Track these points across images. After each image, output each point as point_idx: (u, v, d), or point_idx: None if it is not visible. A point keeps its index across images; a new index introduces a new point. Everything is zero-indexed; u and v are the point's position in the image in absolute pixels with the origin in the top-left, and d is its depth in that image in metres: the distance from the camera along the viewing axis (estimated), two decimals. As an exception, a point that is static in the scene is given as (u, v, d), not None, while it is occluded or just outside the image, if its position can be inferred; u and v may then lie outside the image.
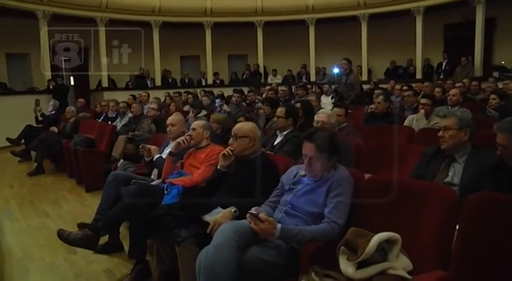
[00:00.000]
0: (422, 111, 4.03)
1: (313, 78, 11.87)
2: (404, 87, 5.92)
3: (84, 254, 2.95)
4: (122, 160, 4.32)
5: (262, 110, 4.70)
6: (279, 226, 1.81)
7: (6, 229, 3.64)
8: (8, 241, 3.36)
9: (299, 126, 3.41)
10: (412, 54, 10.72)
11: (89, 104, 10.15)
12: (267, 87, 7.62)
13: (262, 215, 1.82)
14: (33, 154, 6.51)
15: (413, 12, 10.25)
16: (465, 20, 9.99)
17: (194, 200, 2.35)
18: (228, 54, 12.98)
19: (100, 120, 6.45)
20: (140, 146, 3.39)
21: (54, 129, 6.32)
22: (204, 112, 5.54)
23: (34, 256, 3.05)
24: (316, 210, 1.95)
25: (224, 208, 2.16)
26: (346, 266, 1.59)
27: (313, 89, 7.79)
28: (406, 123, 4.07)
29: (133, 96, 7.29)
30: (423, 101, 4.03)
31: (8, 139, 7.03)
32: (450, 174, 2.21)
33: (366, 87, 8.83)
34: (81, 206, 4.30)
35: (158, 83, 11.57)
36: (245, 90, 7.74)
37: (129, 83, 11.18)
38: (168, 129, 3.40)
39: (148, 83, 11.43)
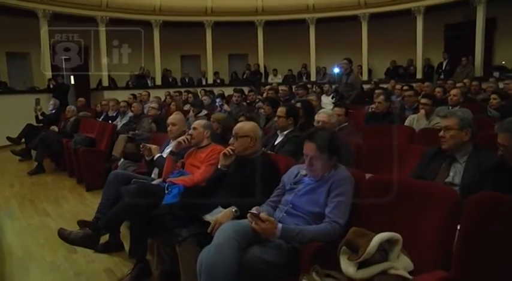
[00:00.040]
0: (422, 111, 4.02)
1: (313, 78, 11.87)
2: (405, 87, 5.93)
3: (84, 253, 2.95)
4: (122, 159, 4.31)
5: (262, 110, 4.70)
6: (279, 225, 1.81)
7: (7, 228, 3.64)
8: (9, 240, 3.36)
9: (299, 126, 3.41)
10: (412, 54, 10.72)
11: (89, 103, 10.16)
12: (268, 87, 7.61)
13: (263, 215, 1.82)
14: (33, 153, 6.51)
15: (413, 12, 10.25)
16: (466, 20, 9.99)
17: (195, 199, 2.35)
18: (228, 54, 12.98)
19: (100, 119, 6.45)
20: (141, 146, 3.39)
21: (55, 128, 6.33)
22: (204, 111, 5.54)
23: (34, 255, 3.05)
24: (317, 210, 1.95)
25: (225, 207, 2.15)
26: (347, 266, 1.59)
27: (314, 89, 7.80)
28: (406, 123, 4.06)
29: (134, 96, 7.29)
30: (423, 101, 4.03)
31: (8, 138, 7.03)
32: (451, 174, 2.21)
33: (366, 87, 8.83)
34: (82, 205, 4.30)
35: (158, 82, 11.58)
36: (245, 89, 7.74)
37: (130, 83, 11.18)
38: (169, 128, 3.40)
39: (149, 82, 11.44)
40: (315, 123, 3.19)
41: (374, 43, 11.03)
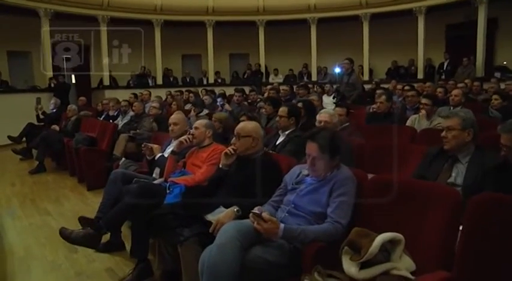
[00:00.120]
0: (423, 111, 4.02)
1: (314, 77, 11.85)
2: (407, 87, 5.92)
3: (85, 252, 2.95)
4: (123, 159, 4.32)
5: (264, 110, 4.70)
6: (282, 225, 1.81)
7: (8, 227, 3.65)
8: (10, 239, 3.36)
9: (301, 126, 3.40)
10: (413, 54, 10.70)
11: (90, 102, 10.15)
12: (269, 87, 7.61)
13: (265, 215, 1.81)
14: (34, 152, 6.50)
15: (415, 12, 10.23)
16: (467, 20, 9.96)
17: (196, 199, 2.35)
18: (229, 53, 12.97)
19: (101, 118, 6.46)
20: (142, 145, 3.39)
21: (56, 127, 6.34)
22: (205, 111, 5.54)
23: (35, 254, 3.05)
24: (319, 210, 1.95)
25: (227, 207, 2.15)
26: (349, 266, 1.59)
27: (315, 89, 7.80)
28: (408, 123, 4.06)
29: (135, 95, 7.29)
30: (424, 101, 4.02)
31: (9, 137, 7.03)
32: (453, 174, 2.20)
33: (367, 87, 8.83)
34: (83, 205, 4.30)
35: (159, 81, 11.58)
36: (246, 89, 7.74)
37: (131, 82, 11.18)
38: (170, 128, 3.40)
39: (150, 81, 11.44)
40: (317, 123, 3.19)
41: (375, 43, 11.01)
